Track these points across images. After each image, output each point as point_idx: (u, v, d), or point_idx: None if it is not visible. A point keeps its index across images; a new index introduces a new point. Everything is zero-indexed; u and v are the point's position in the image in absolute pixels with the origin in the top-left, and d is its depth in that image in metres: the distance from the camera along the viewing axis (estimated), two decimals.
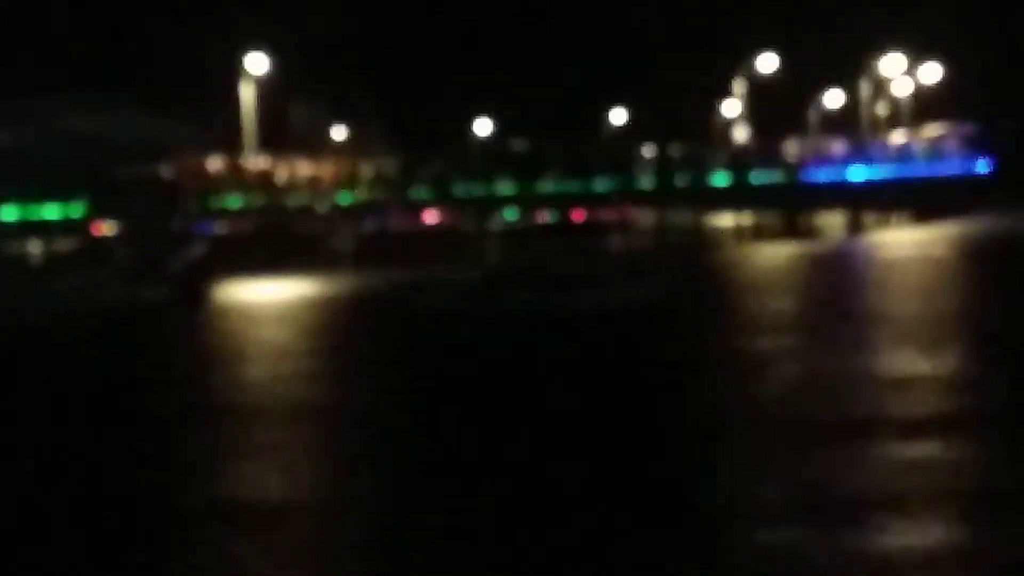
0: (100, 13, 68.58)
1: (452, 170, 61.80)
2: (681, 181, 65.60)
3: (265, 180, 58.23)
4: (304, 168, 59.98)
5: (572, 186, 63.16)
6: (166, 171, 55.97)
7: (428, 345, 29.97)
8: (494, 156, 66.64)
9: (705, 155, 68.82)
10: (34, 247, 54.78)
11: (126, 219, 52.38)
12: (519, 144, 67.83)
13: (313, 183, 59.25)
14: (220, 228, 54.70)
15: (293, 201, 58.19)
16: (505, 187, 61.90)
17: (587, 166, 64.26)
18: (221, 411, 22.02)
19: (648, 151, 67.54)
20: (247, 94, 61.09)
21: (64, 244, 54.28)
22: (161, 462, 18.20)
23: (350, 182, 59.74)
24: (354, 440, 19.77)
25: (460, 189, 61.70)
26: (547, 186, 62.36)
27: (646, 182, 65.19)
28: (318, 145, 65.27)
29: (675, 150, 68.13)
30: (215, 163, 57.57)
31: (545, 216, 62.68)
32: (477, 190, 61.61)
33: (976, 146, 77.44)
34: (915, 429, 18.29)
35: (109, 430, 20.79)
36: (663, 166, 66.16)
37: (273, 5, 65.93)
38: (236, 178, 57.15)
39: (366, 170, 60.21)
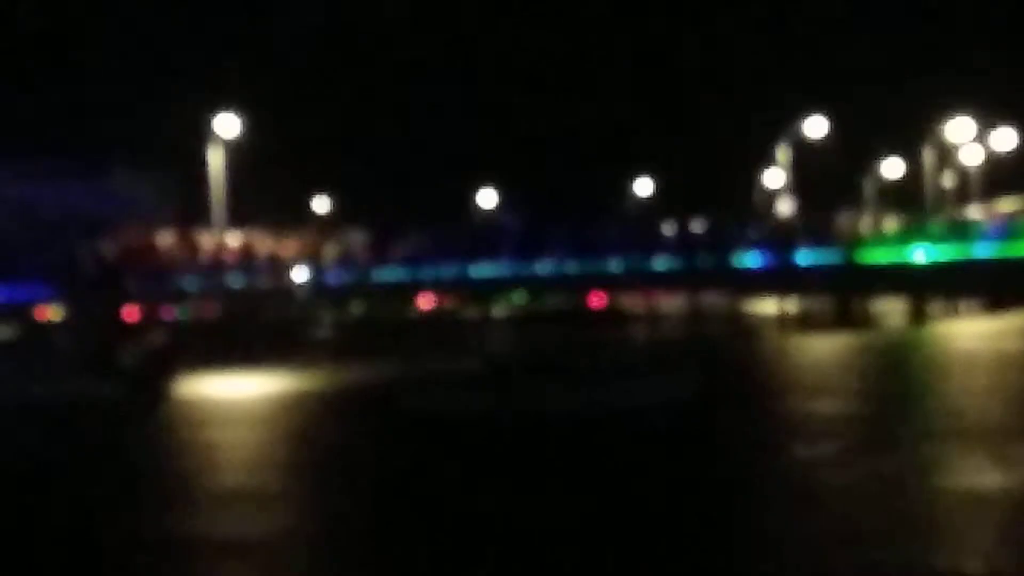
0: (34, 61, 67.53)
1: (442, 246, 62.03)
2: (714, 261, 65.61)
3: (233, 257, 58.23)
4: (278, 244, 59.97)
5: (588, 267, 63.24)
6: (115, 248, 55.88)
7: (434, 458, 29.29)
8: (494, 231, 66.88)
9: (743, 231, 68.87)
10: None
11: (70, 303, 52.29)
12: (516, 218, 68.05)
13: (286, 261, 59.24)
14: (181, 313, 54.60)
15: (265, 282, 58.12)
16: (508, 268, 62.01)
17: (605, 243, 64.38)
18: (184, 543, 20.98)
19: (675, 226, 67.66)
20: (215, 159, 60.61)
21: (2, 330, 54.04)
22: None
23: (328, 260, 59.80)
24: None
25: (456, 270, 61.79)
26: (556, 266, 62.41)
27: (674, 262, 65.21)
28: (296, 218, 65.38)
29: (707, 225, 68.25)
30: (167, 238, 57.25)
31: (558, 302, 62.67)
32: (476, 271, 61.74)
33: None
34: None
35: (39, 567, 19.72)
36: (693, 244, 66.20)
37: (246, 60, 65.78)
38: (194, 256, 57.05)
39: (333, 248, 60.15)
